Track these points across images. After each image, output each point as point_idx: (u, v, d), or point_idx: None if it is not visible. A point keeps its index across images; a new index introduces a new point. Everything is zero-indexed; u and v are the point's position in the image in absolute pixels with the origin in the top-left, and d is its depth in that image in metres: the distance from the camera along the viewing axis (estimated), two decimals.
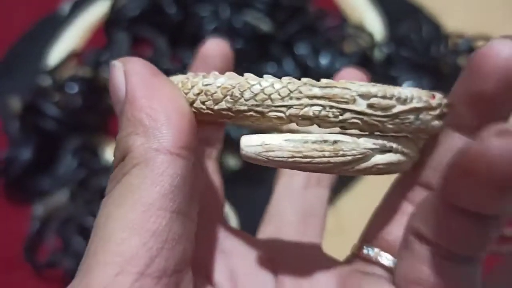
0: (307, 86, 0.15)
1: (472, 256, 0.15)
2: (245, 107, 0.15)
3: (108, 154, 0.49)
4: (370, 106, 0.15)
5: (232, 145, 0.45)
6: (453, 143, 0.16)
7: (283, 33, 0.51)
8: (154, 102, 0.15)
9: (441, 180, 0.14)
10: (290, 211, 0.22)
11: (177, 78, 0.17)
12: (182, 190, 0.14)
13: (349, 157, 0.15)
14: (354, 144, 0.15)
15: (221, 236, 0.19)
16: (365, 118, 0.15)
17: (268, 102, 0.15)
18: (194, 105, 0.16)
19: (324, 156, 0.15)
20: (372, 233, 0.19)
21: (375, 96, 0.15)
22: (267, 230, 0.22)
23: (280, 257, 0.20)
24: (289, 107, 0.15)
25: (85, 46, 0.59)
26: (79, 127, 0.48)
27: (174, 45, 0.55)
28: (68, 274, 0.40)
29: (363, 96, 0.15)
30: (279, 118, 0.15)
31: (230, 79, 0.15)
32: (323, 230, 0.22)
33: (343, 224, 0.40)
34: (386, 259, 0.18)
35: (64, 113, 0.47)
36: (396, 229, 0.18)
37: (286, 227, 0.21)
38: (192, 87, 0.16)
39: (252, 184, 0.45)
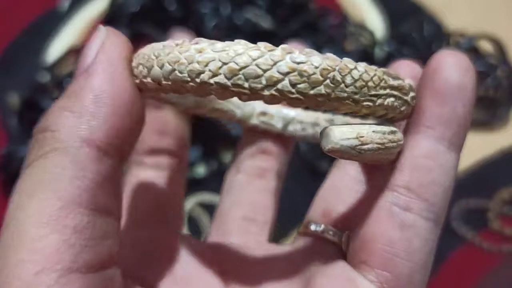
0: (387, 76, 0.15)
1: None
2: (345, 94, 0.14)
3: None
4: (412, 98, 0.15)
5: (230, 142, 0.45)
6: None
7: (284, 30, 0.51)
8: (107, 88, 0.13)
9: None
10: (234, 209, 0.21)
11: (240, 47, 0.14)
12: (104, 188, 0.13)
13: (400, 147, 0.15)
14: (400, 134, 0.15)
15: (170, 244, 0.19)
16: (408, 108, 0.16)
17: (365, 90, 0.14)
18: (279, 86, 0.13)
19: (395, 147, 0.15)
20: (318, 211, 0.19)
21: (413, 89, 0.16)
22: (214, 231, 0.21)
23: (227, 259, 0.19)
24: (379, 96, 0.14)
25: (84, 42, 0.59)
26: None
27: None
28: None
29: (411, 89, 0.15)
30: (368, 107, 0.14)
31: (328, 59, 0.14)
32: (269, 224, 0.22)
33: None
34: (333, 233, 0.18)
35: None
36: (340, 204, 0.18)
37: (231, 226, 0.21)
38: (276, 63, 0.13)
39: None
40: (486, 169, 0.45)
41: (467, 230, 0.41)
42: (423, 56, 0.50)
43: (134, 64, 0.15)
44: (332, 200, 0.19)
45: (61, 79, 0.49)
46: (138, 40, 0.56)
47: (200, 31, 0.53)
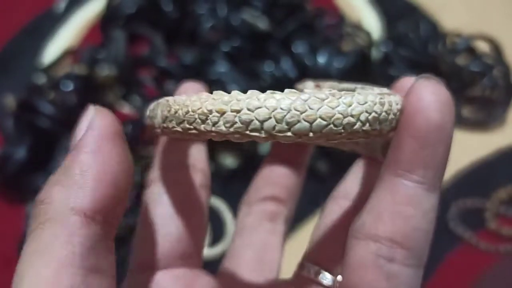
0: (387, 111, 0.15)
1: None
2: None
3: None
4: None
5: (227, 145, 0.45)
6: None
7: (281, 31, 0.51)
8: (93, 163, 0.15)
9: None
10: (245, 249, 0.23)
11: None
12: (94, 250, 0.15)
13: None
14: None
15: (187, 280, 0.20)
16: None
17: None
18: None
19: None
20: (314, 250, 0.20)
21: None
22: (225, 269, 0.22)
23: None
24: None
25: (81, 44, 0.58)
26: (74, 125, 0.47)
27: (171, 42, 0.55)
28: None
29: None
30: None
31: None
32: (279, 265, 0.23)
33: None
34: (326, 278, 0.19)
35: (59, 111, 0.47)
36: (333, 247, 0.19)
37: (242, 265, 0.22)
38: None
39: (249, 183, 0.45)
40: (483, 169, 0.45)
41: (464, 230, 0.41)
42: (419, 56, 0.50)
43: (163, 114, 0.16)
44: (324, 244, 0.19)
45: (57, 81, 0.49)
46: (134, 41, 0.56)
47: (196, 33, 0.53)
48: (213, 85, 0.46)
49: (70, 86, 0.48)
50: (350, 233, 0.17)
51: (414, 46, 0.51)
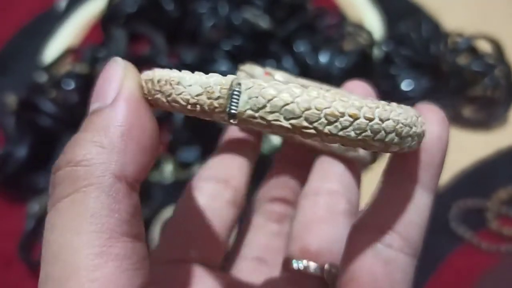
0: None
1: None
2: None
3: None
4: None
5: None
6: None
7: (282, 30, 0.51)
8: (134, 127, 0.14)
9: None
10: (248, 248, 0.23)
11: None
12: (136, 217, 0.14)
13: None
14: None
15: (190, 282, 0.20)
16: None
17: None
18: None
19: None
20: (296, 247, 0.20)
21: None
22: (230, 268, 0.23)
23: None
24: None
25: (81, 42, 0.58)
26: (75, 124, 0.47)
27: (172, 41, 0.55)
28: None
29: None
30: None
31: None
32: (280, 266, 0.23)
33: None
34: (314, 268, 0.19)
35: (61, 110, 0.47)
36: (316, 239, 0.20)
37: (243, 264, 0.22)
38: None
39: (253, 181, 0.45)
40: (484, 169, 0.45)
41: (466, 231, 0.41)
42: (421, 56, 0.50)
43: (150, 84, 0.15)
44: (308, 235, 0.20)
45: (58, 80, 0.49)
46: (135, 40, 0.56)
47: (197, 32, 0.53)
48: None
49: (71, 85, 0.48)
50: (352, 226, 0.18)
51: (416, 45, 0.51)
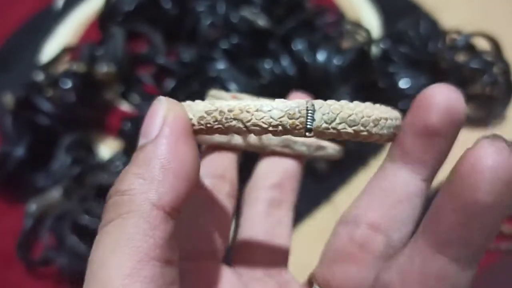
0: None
1: None
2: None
3: (103, 150, 0.48)
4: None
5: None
6: (395, 175, 0.18)
7: (280, 28, 0.51)
8: (173, 160, 0.16)
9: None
10: (255, 239, 0.23)
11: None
12: (169, 243, 0.16)
13: None
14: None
15: (198, 279, 0.21)
16: None
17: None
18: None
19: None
20: (322, 272, 0.20)
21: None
22: (237, 258, 0.23)
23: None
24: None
25: (79, 41, 0.58)
26: (73, 122, 0.47)
27: (170, 40, 0.55)
28: (61, 271, 0.40)
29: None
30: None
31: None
32: (288, 252, 0.23)
33: None
34: None
35: (58, 109, 0.47)
36: (341, 277, 0.19)
37: (253, 255, 0.23)
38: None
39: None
40: None
41: None
42: (419, 53, 0.50)
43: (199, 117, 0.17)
44: (334, 269, 0.20)
45: (56, 78, 0.49)
46: (133, 38, 0.56)
47: (195, 30, 0.53)
48: (212, 82, 0.46)
49: (69, 84, 0.48)
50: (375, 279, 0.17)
51: (414, 43, 0.51)
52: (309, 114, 0.16)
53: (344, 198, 0.43)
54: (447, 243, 0.14)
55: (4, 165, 0.45)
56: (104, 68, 0.49)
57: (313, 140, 0.24)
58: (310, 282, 0.21)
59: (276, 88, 0.47)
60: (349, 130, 0.16)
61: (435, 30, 0.52)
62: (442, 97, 0.17)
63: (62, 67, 0.52)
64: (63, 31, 0.60)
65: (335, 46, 0.50)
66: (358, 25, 0.54)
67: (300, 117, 0.16)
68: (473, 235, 0.14)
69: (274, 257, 0.23)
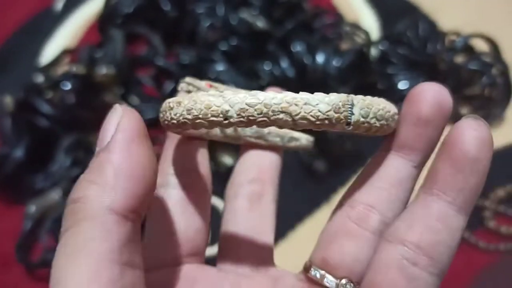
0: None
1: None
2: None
3: None
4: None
5: (226, 144, 0.45)
6: (389, 162, 0.19)
7: (279, 30, 0.51)
8: (125, 163, 0.16)
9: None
10: (238, 235, 0.23)
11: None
12: (127, 246, 0.16)
13: None
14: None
15: (192, 273, 0.21)
16: None
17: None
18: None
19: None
20: (319, 254, 0.21)
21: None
22: (221, 257, 0.23)
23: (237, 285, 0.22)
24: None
25: (79, 43, 0.58)
26: (73, 124, 0.47)
27: (169, 42, 0.55)
28: None
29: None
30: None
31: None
32: (272, 247, 0.23)
33: None
34: (330, 281, 0.20)
35: (58, 111, 0.47)
36: (338, 254, 0.20)
37: (237, 251, 0.23)
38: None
39: None
40: None
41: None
42: (418, 55, 0.50)
43: (171, 109, 0.18)
44: (332, 247, 0.20)
45: (55, 80, 0.49)
46: (132, 40, 0.56)
47: (195, 32, 0.53)
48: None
49: (68, 86, 0.48)
50: (383, 236, 0.19)
51: (413, 45, 0.51)
52: (349, 109, 0.17)
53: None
54: (444, 190, 0.17)
55: (4, 166, 0.45)
56: (103, 70, 0.49)
57: (286, 131, 0.24)
58: (307, 268, 0.21)
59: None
60: (378, 124, 0.17)
61: (433, 31, 0.52)
62: (432, 92, 0.18)
63: (62, 69, 0.52)
64: (63, 33, 0.60)
65: (334, 47, 0.50)
66: (357, 27, 0.54)
67: (344, 111, 0.17)
68: (465, 183, 0.17)
69: (259, 252, 0.23)
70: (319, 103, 0.17)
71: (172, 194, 0.22)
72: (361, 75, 0.49)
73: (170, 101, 0.18)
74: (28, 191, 0.44)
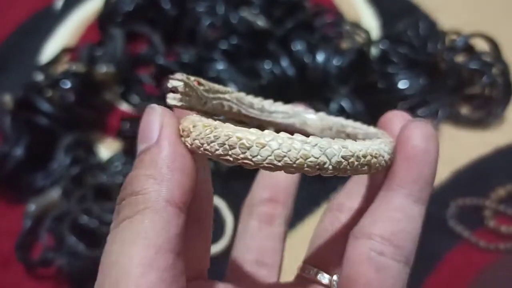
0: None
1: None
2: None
3: (103, 151, 0.48)
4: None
5: None
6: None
7: (280, 29, 0.51)
8: (177, 158, 0.17)
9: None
10: (247, 253, 0.25)
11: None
12: (181, 236, 0.17)
13: None
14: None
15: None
16: None
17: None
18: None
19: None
20: (313, 254, 0.22)
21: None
22: (230, 272, 0.25)
23: None
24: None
25: (79, 42, 0.58)
26: (73, 123, 0.47)
27: (170, 40, 0.55)
28: (60, 272, 0.40)
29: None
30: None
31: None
32: (278, 266, 0.25)
33: None
34: (324, 277, 0.21)
35: (58, 109, 0.47)
36: (329, 251, 0.21)
37: (245, 269, 0.24)
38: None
39: (247, 181, 0.45)
40: (481, 167, 0.45)
41: (463, 229, 0.41)
42: (418, 54, 0.50)
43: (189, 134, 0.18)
44: (323, 246, 0.22)
45: (55, 79, 0.49)
46: (132, 39, 0.56)
47: (195, 30, 0.53)
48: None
49: (68, 84, 0.48)
50: (351, 234, 0.20)
51: (413, 44, 0.51)
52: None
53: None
54: (401, 185, 0.19)
55: (3, 165, 0.45)
56: (103, 69, 0.49)
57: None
58: (303, 267, 0.22)
59: (276, 89, 0.47)
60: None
61: (434, 31, 0.52)
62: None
63: (62, 67, 0.52)
64: (63, 32, 0.60)
65: (334, 47, 0.50)
66: (357, 26, 0.54)
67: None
68: (418, 174, 0.19)
69: (265, 273, 0.24)
70: (385, 155, 0.18)
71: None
72: (361, 74, 0.49)
73: (242, 138, 0.17)
74: (28, 190, 0.44)
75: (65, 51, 0.55)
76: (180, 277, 0.17)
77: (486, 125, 0.48)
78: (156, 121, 0.18)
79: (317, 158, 0.17)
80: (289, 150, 0.16)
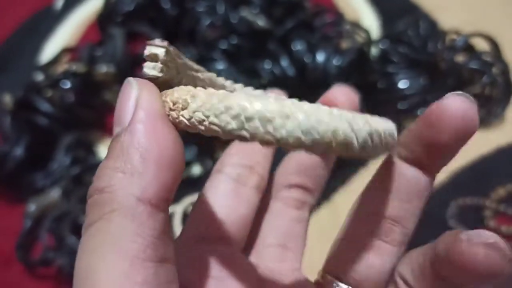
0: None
1: None
2: None
3: (103, 151, 0.48)
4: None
5: (224, 142, 0.45)
6: (406, 173, 0.19)
7: (280, 29, 0.51)
8: (152, 146, 0.14)
9: (434, 256, 0.18)
10: (271, 235, 0.22)
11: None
12: (161, 240, 0.14)
13: None
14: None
15: (216, 262, 0.20)
16: None
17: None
18: None
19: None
20: (337, 264, 0.20)
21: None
22: (253, 254, 0.22)
23: (265, 282, 0.21)
24: None
25: (79, 42, 0.58)
26: (73, 123, 0.47)
27: (170, 40, 0.55)
28: (61, 272, 0.40)
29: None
30: None
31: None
32: (302, 253, 0.23)
33: (339, 219, 0.40)
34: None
35: (58, 109, 0.47)
36: (364, 267, 0.19)
37: (268, 251, 0.22)
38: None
39: None
40: (482, 167, 0.45)
41: (464, 229, 0.41)
42: (418, 54, 0.50)
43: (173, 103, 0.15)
44: (342, 257, 0.20)
45: (55, 79, 0.49)
46: (132, 39, 0.56)
47: (195, 30, 0.53)
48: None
49: (68, 84, 0.48)
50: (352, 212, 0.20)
51: (413, 43, 0.51)
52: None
53: (344, 198, 0.43)
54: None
55: (3, 165, 0.45)
56: (103, 69, 0.49)
57: None
58: (322, 274, 0.21)
59: (276, 88, 0.47)
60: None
61: (434, 30, 0.52)
62: (456, 113, 0.16)
63: (62, 67, 0.52)
64: (63, 32, 0.60)
65: (334, 46, 0.50)
66: (357, 26, 0.54)
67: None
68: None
69: (288, 255, 0.22)
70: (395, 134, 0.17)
71: (225, 180, 0.21)
72: (362, 74, 0.49)
73: (268, 112, 0.13)
74: (28, 190, 0.44)
75: (65, 51, 0.55)
76: (167, 286, 0.14)
77: (486, 124, 0.48)
78: (130, 99, 0.15)
79: (347, 135, 0.14)
80: (320, 124, 0.13)
